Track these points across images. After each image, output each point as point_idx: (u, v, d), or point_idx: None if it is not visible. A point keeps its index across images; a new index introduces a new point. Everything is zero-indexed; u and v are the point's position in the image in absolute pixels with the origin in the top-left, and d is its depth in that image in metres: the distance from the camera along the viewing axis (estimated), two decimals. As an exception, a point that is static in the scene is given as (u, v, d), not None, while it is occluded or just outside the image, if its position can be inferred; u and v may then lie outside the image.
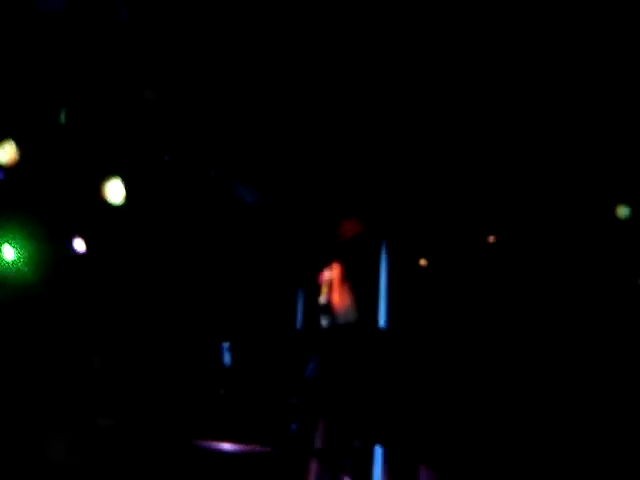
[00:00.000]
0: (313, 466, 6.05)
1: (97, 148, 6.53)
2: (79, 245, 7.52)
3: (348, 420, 5.73)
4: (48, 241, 7.37)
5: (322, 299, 7.36)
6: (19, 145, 6.15)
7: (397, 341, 5.71)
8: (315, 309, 7.49)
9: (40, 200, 6.94)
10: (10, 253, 6.91)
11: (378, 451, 5.88)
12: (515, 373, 4.80)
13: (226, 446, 6.61)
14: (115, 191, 6.85)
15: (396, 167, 5.50)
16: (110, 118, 5.99)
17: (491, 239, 5.00)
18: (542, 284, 4.73)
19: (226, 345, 8.31)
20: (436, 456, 5.13)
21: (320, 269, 7.51)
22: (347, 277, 6.95)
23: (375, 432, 5.77)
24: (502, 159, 4.66)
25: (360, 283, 6.58)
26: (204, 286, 8.41)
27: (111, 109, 6.09)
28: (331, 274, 7.24)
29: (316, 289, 7.55)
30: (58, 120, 6.01)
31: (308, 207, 6.76)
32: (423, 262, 5.64)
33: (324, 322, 7.11)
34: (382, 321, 5.93)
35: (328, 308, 7.15)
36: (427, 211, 5.51)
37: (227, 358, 8.18)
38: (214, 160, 6.41)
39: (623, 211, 4.68)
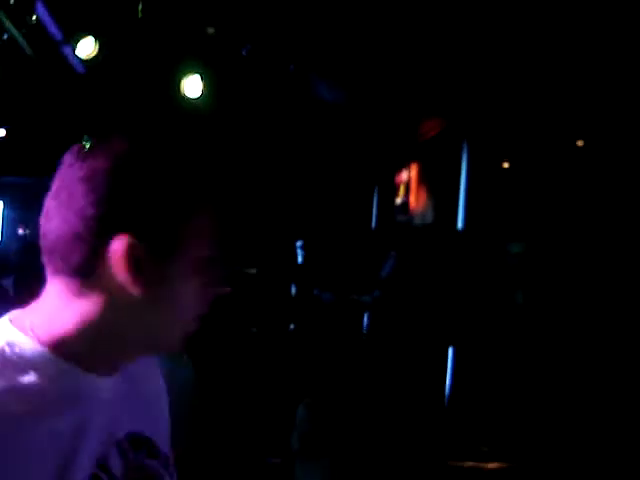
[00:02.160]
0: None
1: (175, 42, 6.45)
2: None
3: (422, 320, 5.73)
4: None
5: (399, 199, 7.30)
6: (98, 40, 6.13)
7: (475, 243, 5.64)
8: (391, 209, 7.45)
9: (119, 94, 6.95)
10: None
11: (450, 352, 5.91)
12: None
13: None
14: (193, 86, 6.81)
15: (481, 62, 5.29)
16: (188, 10, 5.89)
17: (580, 143, 4.82)
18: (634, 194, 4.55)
19: (299, 243, 8.37)
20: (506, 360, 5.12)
21: (397, 169, 7.43)
22: (425, 178, 6.86)
23: (448, 333, 5.78)
24: (597, 58, 4.43)
25: (439, 184, 6.48)
26: (280, 183, 8.42)
27: (189, 1, 5.98)
28: (409, 174, 7.15)
29: (393, 189, 7.48)
30: (136, 13, 5.93)
31: (388, 104, 6.61)
32: (506, 164, 5.50)
33: (400, 222, 7.07)
34: (460, 223, 5.85)
35: (405, 208, 7.10)
36: (512, 110, 5.32)
37: (300, 257, 8.24)
38: (293, 54, 6.27)
39: None
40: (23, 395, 1.01)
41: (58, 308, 1.08)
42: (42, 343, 1.06)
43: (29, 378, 1.02)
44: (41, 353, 1.05)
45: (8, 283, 4.91)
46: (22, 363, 1.04)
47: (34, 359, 1.05)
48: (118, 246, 1.03)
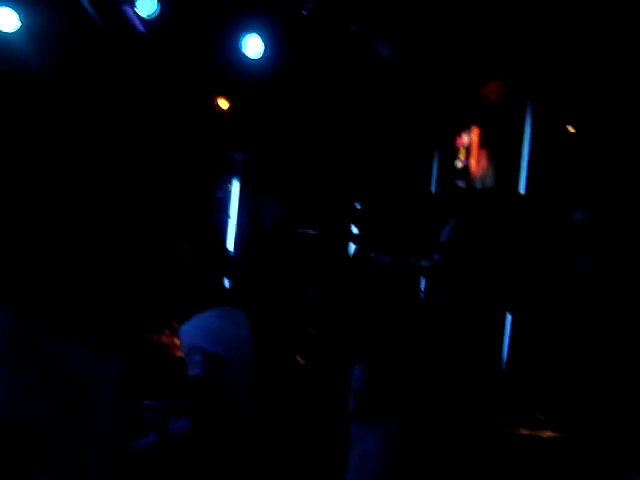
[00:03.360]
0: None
1: (236, 0, 6.44)
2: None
3: (481, 285, 5.68)
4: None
5: (459, 163, 7.21)
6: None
7: (537, 209, 5.54)
8: (451, 172, 7.36)
9: (179, 55, 6.97)
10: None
11: (509, 318, 5.86)
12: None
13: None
14: (253, 46, 6.79)
15: (547, 23, 5.15)
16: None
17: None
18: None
19: (359, 206, 8.34)
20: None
21: (458, 132, 7.32)
22: (486, 141, 6.74)
23: (507, 298, 5.72)
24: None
25: (500, 148, 6.37)
26: (340, 145, 8.38)
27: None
28: (470, 137, 7.04)
29: (453, 152, 7.38)
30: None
31: (450, 66, 6.50)
32: (571, 129, 5.36)
33: (461, 186, 6.98)
34: (522, 187, 5.75)
35: (465, 172, 7.00)
36: (578, 73, 5.17)
37: (360, 219, 8.22)
38: (355, 14, 6.20)
39: None
40: None
41: None
42: None
43: None
44: None
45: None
46: None
47: None
48: None
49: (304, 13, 6.34)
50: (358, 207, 8.26)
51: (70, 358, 1.05)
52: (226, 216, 10.39)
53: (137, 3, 6.13)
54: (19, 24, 5.66)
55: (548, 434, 4.71)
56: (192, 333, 4.04)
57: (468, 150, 7.03)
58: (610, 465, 3.99)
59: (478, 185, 6.64)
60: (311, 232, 7.67)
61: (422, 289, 6.99)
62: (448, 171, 7.50)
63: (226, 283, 5.15)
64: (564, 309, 5.05)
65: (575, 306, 4.98)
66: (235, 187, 10.62)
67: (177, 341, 4.57)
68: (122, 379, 1.27)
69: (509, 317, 5.85)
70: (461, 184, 7.00)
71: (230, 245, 9.30)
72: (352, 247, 8.65)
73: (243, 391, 4.20)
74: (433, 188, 8.00)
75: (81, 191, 1.05)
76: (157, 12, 6.21)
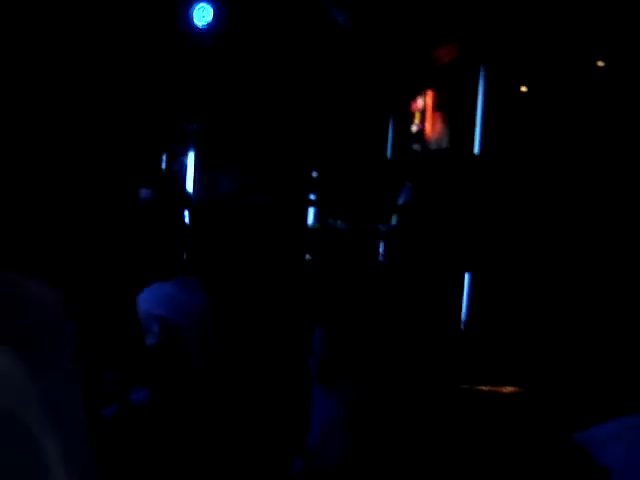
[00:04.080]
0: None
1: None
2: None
3: (438, 246, 5.71)
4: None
5: (414, 127, 7.21)
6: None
7: (491, 169, 5.57)
8: (407, 136, 7.37)
9: (128, 28, 6.85)
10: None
11: (467, 277, 5.91)
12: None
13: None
14: (203, 14, 6.71)
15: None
16: None
17: (600, 64, 4.70)
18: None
19: (315, 173, 8.33)
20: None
21: (413, 96, 7.32)
22: (441, 104, 6.76)
23: (464, 258, 5.77)
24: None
25: (455, 110, 6.39)
26: (293, 112, 8.33)
27: None
28: (424, 101, 7.05)
29: (408, 116, 7.39)
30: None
31: (402, 29, 6.48)
32: (524, 88, 5.39)
33: (416, 149, 7.00)
34: (477, 148, 5.78)
35: (420, 136, 7.02)
36: (529, 33, 5.19)
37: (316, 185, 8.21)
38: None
39: None
40: None
41: None
42: None
43: None
44: None
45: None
46: None
47: None
48: None
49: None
50: (314, 174, 8.25)
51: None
52: (183, 189, 10.30)
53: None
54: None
55: (508, 389, 4.78)
56: (149, 301, 4.02)
57: (423, 114, 7.04)
58: (570, 417, 4.06)
59: (434, 148, 6.66)
60: (267, 199, 7.63)
61: (381, 253, 7.02)
62: (403, 135, 7.51)
63: (183, 255, 5.12)
64: (520, 266, 5.11)
65: (530, 262, 5.04)
66: (190, 159, 10.53)
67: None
68: (83, 349, 1.25)
69: (467, 277, 5.91)
70: (417, 148, 7.02)
71: (187, 217, 9.22)
72: (310, 214, 8.65)
73: (201, 358, 4.20)
74: (389, 152, 8.01)
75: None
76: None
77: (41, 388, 0.89)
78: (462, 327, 5.75)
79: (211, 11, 6.73)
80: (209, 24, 6.75)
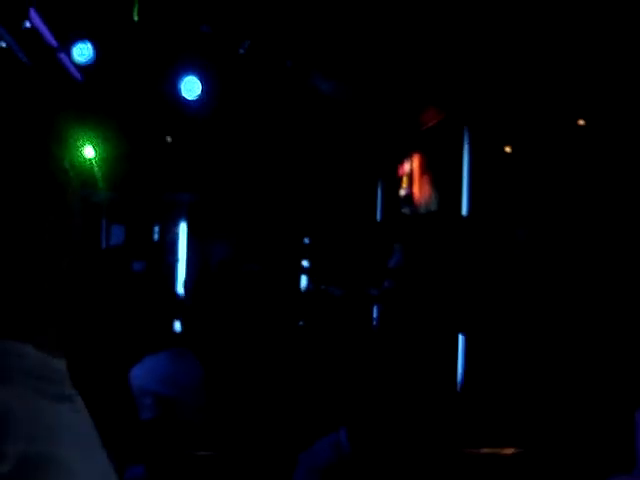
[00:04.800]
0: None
1: (171, 43, 6.46)
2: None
3: (432, 309, 5.72)
4: (127, 140, 7.44)
5: (402, 190, 7.29)
6: (94, 44, 6.14)
7: (480, 228, 5.62)
8: (396, 200, 7.44)
9: (118, 99, 6.96)
10: (90, 152, 7.02)
11: (461, 338, 5.90)
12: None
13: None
14: (191, 87, 6.82)
15: (477, 49, 5.28)
16: (184, 10, 5.89)
17: (581, 122, 4.79)
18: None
19: (306, 240, 8.37)
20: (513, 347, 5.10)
21: (400, 160, 7.41)
22: (428, 167, 6.84)
23: (459, 320, 5.77)
24: (594, 37, 4.41)
25: (441, 173, 6.47)
26: (283, 180, 8.41)
27: (182, 3, 5.99)
28: (411, 165, 7.14)
29: (396, 180, 7.47)
30: (131, 15, 5.94)
31: (387, 96, 6.60)
32: (508, 149, 5.48)
33: (405, 213, 7.06)
34: (465, 209, 5.83)
35: (409, 199, 7.08)
36: (511, 94, 5.30)
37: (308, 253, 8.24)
38: (291, 50, 6.27)
39: None
40: None
41: None
42: None
43: None
44: None
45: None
46: None
47: None
48: None
49: (241, 52, 6.40)
50: (306, 241, 8.29)
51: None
52: (175, 259, 10.33)
53: (73, 50, 6.12)
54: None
55: (510, 451, 4.73)
56: (142, 376, 4.01)
57: (410, 177, 7.12)
58: (573, 476, 4.02)
59: (422, 211, 6.72)
60: (259, 268, 7.66)
61: (374, 317, 7.02)
62: (392, 199, 7.58)
63: (176, 326, 5.11)
64: (513, 324, 5.11)
65: (524, 320, 5.04)
66: (182, 229, 10.58)
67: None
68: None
69: (461, 338, 5.90)
70: (406, 211, 7.08)
71: (179, 287, 9.22)
72: (303, 281, 8.66)
73: (195, 432, 4.17)
74: (379, 216, 8.07)
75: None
76: (93, 58, 6.20)
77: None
78: (458, 388, 5.71)
79: (199, 84, 6.84)
80: (198, 96, 6.85)
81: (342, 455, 3.63)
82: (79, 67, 6.25)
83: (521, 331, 5.14)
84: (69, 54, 6.10)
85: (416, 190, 7.02)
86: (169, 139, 8.12)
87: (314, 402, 6.00)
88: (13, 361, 0.94)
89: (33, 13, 5.08)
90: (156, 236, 10.52)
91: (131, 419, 3.93)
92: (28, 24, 5.13)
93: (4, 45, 5.23)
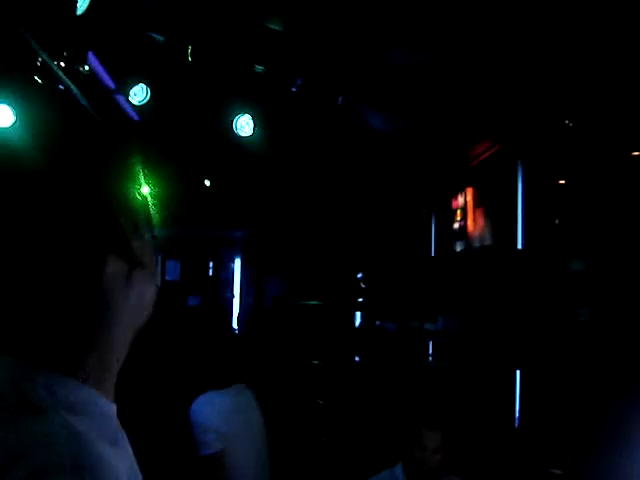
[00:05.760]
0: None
1: (224, 82, 6.58)
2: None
3: (487, 343, 5.65)
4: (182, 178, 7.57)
5: (456, 224, 7.25)
6: (150, 86, 6.29)
7: (536, 262, 5.55)
8: (449, 235, 7.40)
9: (173, 137, 7.10)
10: (146, 189, 7.14)
11: (518, 375, 5.81)
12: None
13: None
14: (244, 125, 6.92)
15: (529, 80, 5.26)
16: (236, 50, 6.00)
17: (636, 153, 4.73)
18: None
19: (360, 275, 8.37)
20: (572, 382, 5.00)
21: (453, 194, 7.39)
22: (481, 201, 6.80)
23: (515, 356, 5.68)
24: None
25: (495, 206, 6.42)
26: (337, 217, 8.44)
27: (235, 43, 6.10)
28: (464, 198, 7.10)
29: (450, 214, 7.44)
30: (185, 56, 6.07)
31: (438, 130, 6.61)
32: (562, 181, 5.42)
33: (459, 247, 7.01)
34: (520, 243, 5.77)
35: (463, 233, 7.04)
36: (564, 126, 5.26)
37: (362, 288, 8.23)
38: (341, 86, 6.34)
39: None
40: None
41: None
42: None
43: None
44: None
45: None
46: None
47: None
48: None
49: (293, 90, 6.48)
50: (360, 277, 8.28)
51: None
52: (230, 295, 10.42)
53: (130, 91, 6.28)
54: (14, 119, 5.77)
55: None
56: (203, 413, 4.03)
57: (464, 211, 7.08)
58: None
59: (476, 244, 6.67)
60: (314, 303, 7.68)
61: (430, 352, 6.95)
62: (446, 234, 7.55)
63: (233, 361, 5.14)
64: (571, 359, 5.01)
65: (582, 355, 4.95)
66: (237, 266, 10.68)
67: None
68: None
69: (518, 374, 5.81)
70: (460, 245, 7.04)
71: (235, 323, 9.29)
72: (357, 317, 8.64)
73: (256, 470, 4.17)
74: (432, 252, 8.03)
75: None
76: (148, 99, 6.35)
77: None
78: (516, 424, 5.61)
79: (252, 122, 6.94)
80: (251, 134, 6.95)
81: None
82: (135, 107, 6.40)
83: (579, 366, 5.04)
84: (126, 95, 6.26)
85: (470, 223, 6.98)
86: (207, 183, 8.27)
87: (370, 437, 5.96)
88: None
89: (91, 56, 5.23)
90: (211, 271, 10.63)
91: (191, 456, 3.95)
92: (86, 67, 5.27)
93: (62, 88, 5.38)
